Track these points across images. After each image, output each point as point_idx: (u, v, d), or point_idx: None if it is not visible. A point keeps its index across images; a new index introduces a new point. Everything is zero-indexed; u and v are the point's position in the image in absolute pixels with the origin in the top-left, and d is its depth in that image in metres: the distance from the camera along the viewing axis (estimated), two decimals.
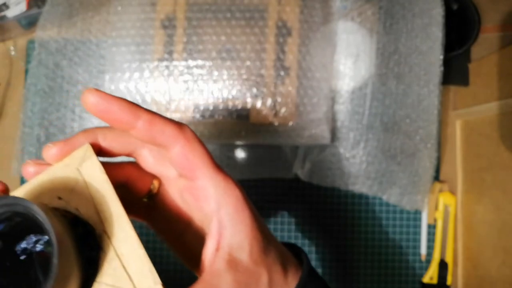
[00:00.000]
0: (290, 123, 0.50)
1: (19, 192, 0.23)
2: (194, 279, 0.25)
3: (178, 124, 0.24)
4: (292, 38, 0.50)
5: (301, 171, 0.57)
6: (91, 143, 0.24)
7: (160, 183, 0.29)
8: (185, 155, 0.23)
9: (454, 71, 0.60)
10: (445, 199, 0.59)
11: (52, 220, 0.18)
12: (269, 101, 0.49)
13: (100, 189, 0.23)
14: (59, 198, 0.23)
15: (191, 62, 0.49)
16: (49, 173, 0.23)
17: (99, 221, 0.23)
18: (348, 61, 0.55)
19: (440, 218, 0.59)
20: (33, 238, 0.20)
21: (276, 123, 0.50)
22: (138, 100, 0.50)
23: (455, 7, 0.59)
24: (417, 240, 0.60)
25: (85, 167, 0.23)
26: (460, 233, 0.59)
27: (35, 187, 0.23)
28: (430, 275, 0.59)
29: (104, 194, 0.23)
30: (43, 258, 0.20)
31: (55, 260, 0.18)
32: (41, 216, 0.18)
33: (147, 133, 0.23)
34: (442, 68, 0.54)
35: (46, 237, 0.20)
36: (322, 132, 0.52)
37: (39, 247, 0.20)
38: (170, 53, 0.50)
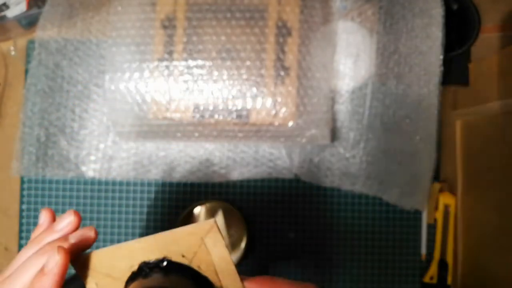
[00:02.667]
0: (290, 123, 0.50)
1: (147, 241, 0.26)
2: None
3: None
4: (292, 38, 0.50)
5: (301, 171, 0.57)
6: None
7: None
8: None
9: (454, 71, 0.60)
10: (445, 199, 0.59)
11: None
12: (269, 101, 0.49)
13: (222, 260, 0.26)
14: (183, 256, 0.26)
15: (191, 62, 0.49)
16: (174, 235, 0.26)
17: (218, 281, 0.27)
18: (348, 61, 0.55)
19: (440, 218, 0.59)
20: None
21: (276, 123, 0.50)
22: (138, 100, 0.50)
23: (455, 7, 0.59)
24: (417, 240, 0.60)
25: (209, 238, 0.26)
26: (460, 233, 0.59)
27: (162, 243, 0.26)
28: (430, 275, 0.59)
29: (225, 265, 0.26)
30: None
31: None
32: None
33: None
34: (442, 68, 0.54)
35: None
36: (322, 132, 0.52)
37: None
38: (170, 53, 0.50)
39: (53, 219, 0.28)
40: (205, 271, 0.27)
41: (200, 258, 0.27)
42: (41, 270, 0.24)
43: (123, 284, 0.27)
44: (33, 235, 0.28)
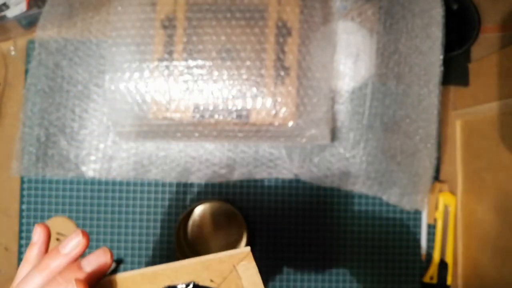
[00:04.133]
0: (290, 123, 0.50)
1: (175, 267, 0.26)
2: None
3: None
4: (292, 38, 0.50)
5: (301, 171, 0.57)
6: None
7: None
8: None
9: (454, 71, 0.60)
10: (445, 199, 0.59)
11: None
12: (269, 101, 0.49)
13: (251, 281, 0.26)
14: (211, 280, 0.26)
15: (191, 62, 0.49)
16: (204, 262, 0.26)
17: None
18: (348, 61, 0.55)
19: (440, 218, 0.59)
20: None
21: (276, 123, 0.50)
22: (138, 100, 0.50)
23: (455, 7, 0.59)
24: (417, 240, 0.60)
25: (242, 266, 0.26)
26: (460, 233, 0.59)
27: (190, 269, 0.26)
28: (430, 275, 0.59)
29: (254, 283, 0.26)
30: None
31: None
32: None
33: None
34: (442, 68, 0.54)
35: None
36: (322, 132, 0.52)
37: None
38: (170, 53, 0.49)
39: (48, 236, 0.27)
40: None
41: (230, 283, 0.26)
42: None
43: None
44: (29, 254, 0.26)
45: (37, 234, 0.26)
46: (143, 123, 0.50)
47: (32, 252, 0.26)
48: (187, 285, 0.26)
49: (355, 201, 0.60)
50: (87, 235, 0.25)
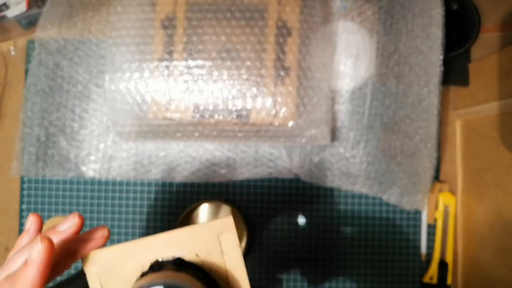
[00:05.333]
0: (290, 123, 0.50)
1: (162, 238, 0.26)
2: None
3: None
4: (292, 38, 0.50)
5: (301, 171, 0.57)
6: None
7: None
8: None
9: (454, 71, 0.60)
10: (445, 199, 0.59)
11: None
12: (269, 101, 0.49)
13: (234, 261, 0.26)
14: (196, 255, 0.26)
15: (191, 62, 0.49)
16: (191, 231, 0.27)
17: (227, 287, 0.26)
18: (348, 61, 0.55)
19: (440, 218, 0.59)
20: None
21: (276, 123, 0.50)
22: (138, 100, 0.50)
23: (455, 7, 0.59)
24: (417, 240, 0.60)
25: (225, 237, 0.26)
26: (460, 233, 0.59)
27: (178, 239, 0.26)
28: (430, 275, 0.59)
29: (236, 266, 0.26)
30: None
31: None
32: None
33: None
34: (442, 68, 0.54)
35: None
36: (322, 132, 0.52)
37: None
38: (170, 53, 0.49)
39: (40, 226, 0.28)
40: (216, 275, 0.27)
41: (213, 259, 0.26)
42: (26, 261, 0.24)
43: (130, 285, 0.26)
44: (20, 241, 0.27)
45: (29, 222, 0.28)
46: (143, 123, 0.50)
47: (23, 240, 0.27)
48: (174, 260, 0.26)
49: (355, 201, 0.59)
50: (82, 218, 0.27)
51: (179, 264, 0.26)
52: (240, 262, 0.27)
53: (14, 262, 0.25)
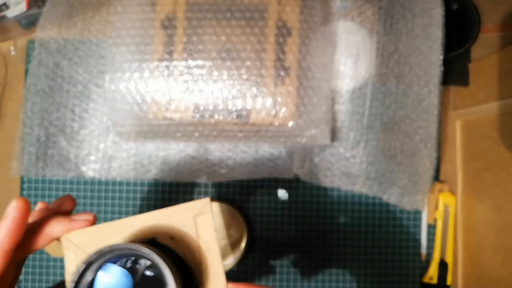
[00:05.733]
0: (290, 123, 0.50)
1: (140, 218, 0.26)
2: None
3: None
4: (292, 38, 0.50)
5: (301, 171, 0.57)
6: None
7: None
8: None
9: (454, 71, 0.60)
10: (445, 199, 0.59)
11: (171, 270, 0.22)
12: (269, 101, 0.49)
13: (208, 244, 0.26)
14: (171, 238, 0.26)
15: (191, 62, 0.49)
16: (168, 212, 0.26)
17: (199, 272, 0.26)
18: (348, 61, 0.55)
19: (440, 218, 0.59)
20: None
21: (276, 123, 0.50)
22: (138, 100, 0.50)
23: (455, 7, 0.59)
24: (417, 240, 0.60)
25: (201, 219, 0.26)
26: (460, 233, 0.59)
27: (155, 221, 0.26)
28: (430, 275, 0.59)
29: (210, 250, 0.26)
30: None
31: None
32: (163, 268, 0.22)
33: None
34: (442, 68, 0.54)
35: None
36: (322, 132, 0.52)
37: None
38: (170, 53, 0.49)
39: (25, 216, 0.26)
40: (190, 260, 0.26)
41: (188, 242, 0.26)
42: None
43: None
44: None
45: (58, 202, 0.29)
46: (143, 123, 0.50)
47: None
48: (149, 241, 0.26)
49: (355, 201, 0.60)
50: (73, 199, 0.28)
51: (153, 245, 0.25)
52: (214, 247, 0.26)
53: None
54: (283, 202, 0.59)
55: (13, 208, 0.24)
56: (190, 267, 0.26)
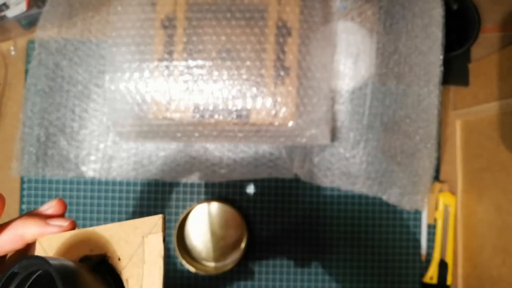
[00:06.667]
0: (290, 123, 0.50)
1: (98, 229, 0.24)
2: None
3: None
4: (292, 38, 0.50)
5: (301, 171, 0.57)
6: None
7: None
8: None
9: (454, 71, 0.60)
10: (445, 199, 0.59)
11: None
12: (269, 101, 0.49)
13: (151, 274, 0.23)
14: (119, 259, 0.23)
15: (191, 62, 0.49)
16: (122, 227, 0.24)
17: None
18: (348, 61, 0.55)
19: (440, 218, 0.59)
20: None
21: (276, 123, 0.50)
22: (138, 100, 0.50)
23: (455, 7, 0.59)
24: (417, 240, 0.60)
25: (150, 240, 0.23)
26: (460, 233, 0.59)
27: (108, 235, 0.24)
28: (430, 275, 0.59)
29: (154, 274, 0.23)
30: None
31: None
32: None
33: None
34: (442, 68, 0.54)
35: None
36: (322, 132, 0.52)
37: None
38: (170, 53, 0.50)
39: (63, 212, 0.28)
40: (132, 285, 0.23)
41: (134, 267, 0.23)
42: None
43: None
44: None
45: (47, 205, 0.28)
46: (143, 123, 0.50)
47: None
48: (99, 259, 0.24)
49: (355, 201, 0.60)
50: (64, 203, 0.27)
51: (99, 263, 0.23)
52: (157, 280, 0.23)
53: None
54: (283, 202, 0.59)
55: None
56: None
